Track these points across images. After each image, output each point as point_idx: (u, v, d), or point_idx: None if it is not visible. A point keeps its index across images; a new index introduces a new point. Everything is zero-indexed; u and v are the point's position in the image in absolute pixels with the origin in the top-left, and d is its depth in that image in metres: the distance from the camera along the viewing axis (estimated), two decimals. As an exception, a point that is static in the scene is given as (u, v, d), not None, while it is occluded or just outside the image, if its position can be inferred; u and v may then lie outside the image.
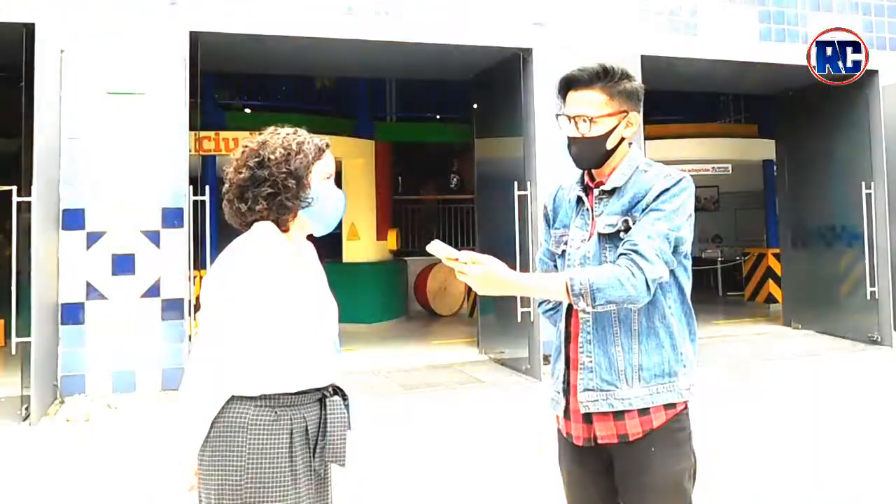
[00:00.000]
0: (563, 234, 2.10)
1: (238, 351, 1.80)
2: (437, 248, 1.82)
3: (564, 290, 1.85)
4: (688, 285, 2.03)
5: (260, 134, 1.96)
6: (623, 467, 1.97)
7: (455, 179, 14.47)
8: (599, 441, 1.97)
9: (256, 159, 1.89)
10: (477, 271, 1.82)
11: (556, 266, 2.12)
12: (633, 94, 2.03)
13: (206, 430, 1.81)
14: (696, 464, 2.00)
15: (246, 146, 1.93)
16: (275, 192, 1.87)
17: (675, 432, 1.96)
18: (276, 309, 1.82)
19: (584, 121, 2.00)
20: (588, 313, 1.95)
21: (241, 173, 1.90)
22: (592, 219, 2.03)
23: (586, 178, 2.09)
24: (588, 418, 1.97)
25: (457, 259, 1.83)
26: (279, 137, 1.92)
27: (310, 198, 1.91)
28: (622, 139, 2.03)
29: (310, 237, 2.03)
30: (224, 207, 1.95)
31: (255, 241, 1.85)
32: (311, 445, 1.85)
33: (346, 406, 1.95)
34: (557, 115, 2.08)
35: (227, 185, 1.93)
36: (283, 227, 1.92)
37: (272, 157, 1.87)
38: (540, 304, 2.23)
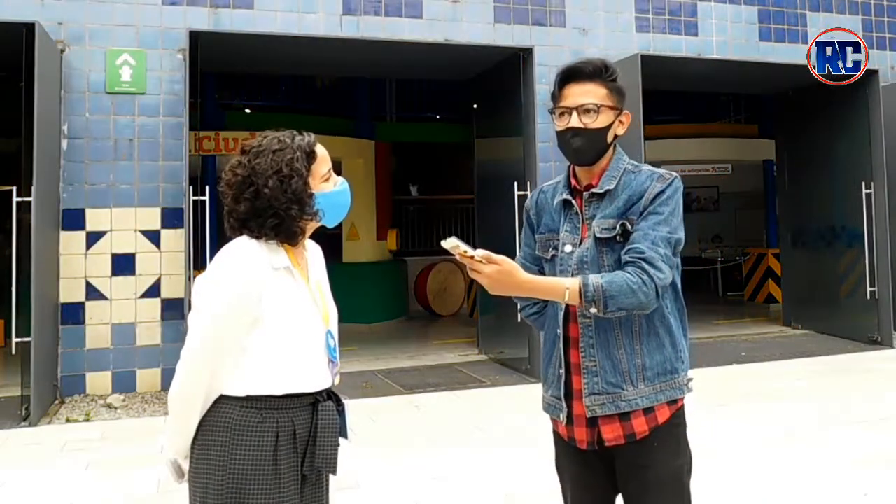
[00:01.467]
0: (551, 239, 2.08)
1: (225, 351, 1.79)
2: (452, 244, 1.77)
3: (577, 294, 1.84)
4: (679, 282, 2.04)
5: (244, 152, 1.87)
6: (626, 463, 1.97)
7: None
8: (606, 444, 1.96)
9: (252, 189, 1.82)
10: (491, 271, 1.80)
11: (541, 271, 2.10)
12: (623, 93, 2.04)
13: (194, 430, 1.81)
14: (691, 459, 2.03)
15: (236, 173, 1.85)
16: (280, 222, 1.83)
17: (675, 427, 1.98)
18: (264, 312, 1.80)
19: (590, 109, 1.97)
20: (589, 318, 1.95)
21: (239, 204, 1.83)
22: (583, 222, 2.01)
23: (573, 181, 2.08)
24: (593, 422, 1.97)
25: (472, 257, 1.78)
26: (267, 160, 1.83)
27: (315, 208, 1.88)
28: (615, 137, 2.03)
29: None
30: (226, 228, 1.90)
31: (250, 244, 1.84)
32: (301, 451, 1.82)
33: (341, 413, 1.92)
34: (552, 110, 2.04)
35: (227, 210, 1.88)
36: (295, 244, 1.90)
37: (266, 190, 1.80)
38: (522, 308, 2.20)
